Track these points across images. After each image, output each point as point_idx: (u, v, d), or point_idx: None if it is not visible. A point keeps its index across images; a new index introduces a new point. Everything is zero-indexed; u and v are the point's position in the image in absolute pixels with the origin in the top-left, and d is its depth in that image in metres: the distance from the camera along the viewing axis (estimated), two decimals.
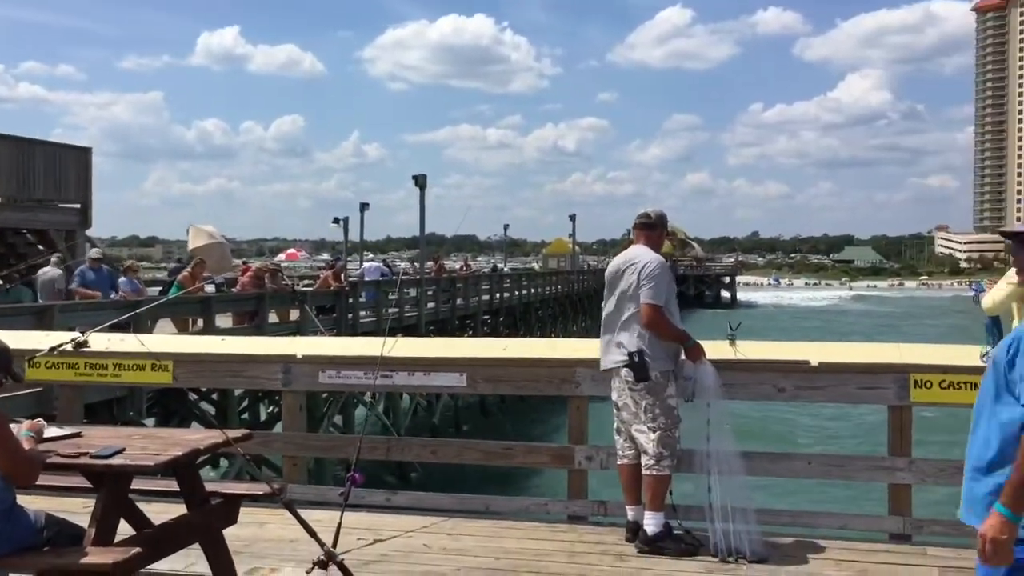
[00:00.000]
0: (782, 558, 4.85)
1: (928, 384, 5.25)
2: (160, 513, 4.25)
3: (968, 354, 5.32)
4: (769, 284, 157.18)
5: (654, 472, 5.07)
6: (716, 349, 5.45)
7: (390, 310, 24.79)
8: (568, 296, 50.19)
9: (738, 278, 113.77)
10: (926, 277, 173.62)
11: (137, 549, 3.60)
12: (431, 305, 28.92)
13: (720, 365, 5.25)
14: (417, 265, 32.63)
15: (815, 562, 4.84)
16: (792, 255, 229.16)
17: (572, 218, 58.68)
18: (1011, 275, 5.20)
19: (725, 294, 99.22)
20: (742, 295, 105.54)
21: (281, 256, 55.50)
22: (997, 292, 5.53)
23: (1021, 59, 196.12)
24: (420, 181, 28.93)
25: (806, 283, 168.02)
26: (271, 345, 7.15)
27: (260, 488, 4.56)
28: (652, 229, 5.41)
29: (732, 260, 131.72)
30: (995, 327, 5.42)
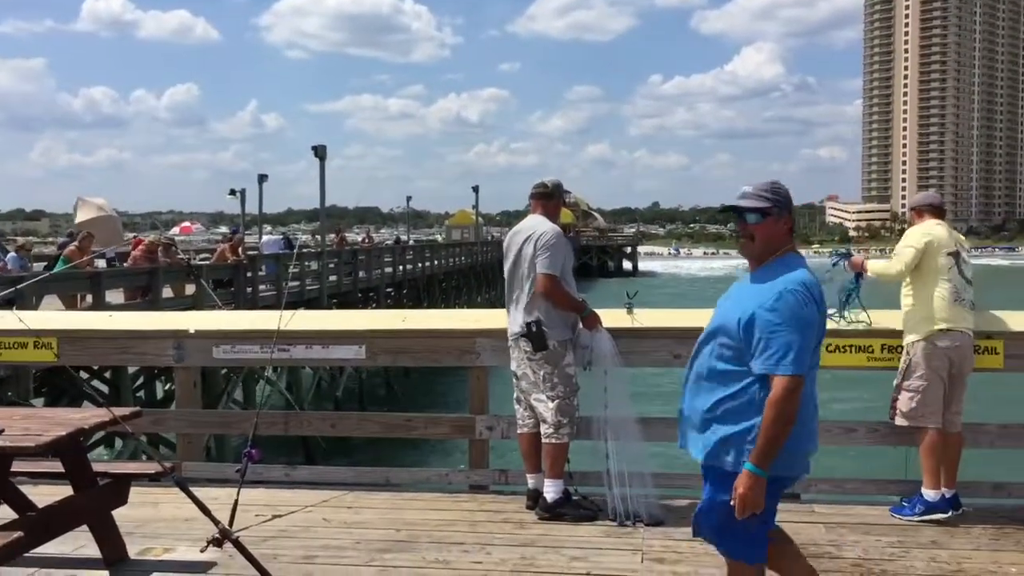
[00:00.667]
0: (678, 520, 4.97)
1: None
2: (47, 496, 4.10)
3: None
4: (669, 254, 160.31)
5: (553, 440, 5.12)
6: (613, 317, 5.51)
7: (290, 283, 24.37)
8: (472, 268, 50.21)
9: (639, 248, 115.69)
10: (818, 245, 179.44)
11: (18, 534, 3.46)
12: (333, 278, 28.55)
13: (617, 333, 5.31)
14: (318, 238, 32.12)
15: None
16: (691, 225, 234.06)
17: (475, 189, 58.59)
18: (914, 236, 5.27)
19: (627, 264, 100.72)
20: (643, 264, 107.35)
21: (176, 229, 53.84)
22: (895, 261, 5.27)
23: (906, 34, 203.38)
24: (320, 152, 28.46)
25: (704, 252, 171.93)
26: (162, 320, 6.93)
27: (151, 467, 4.44)
28: (549, 199, 5.42)
29: (633, 230, 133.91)
30: (856, 281, 5.48)
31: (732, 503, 3.04)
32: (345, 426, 6.33)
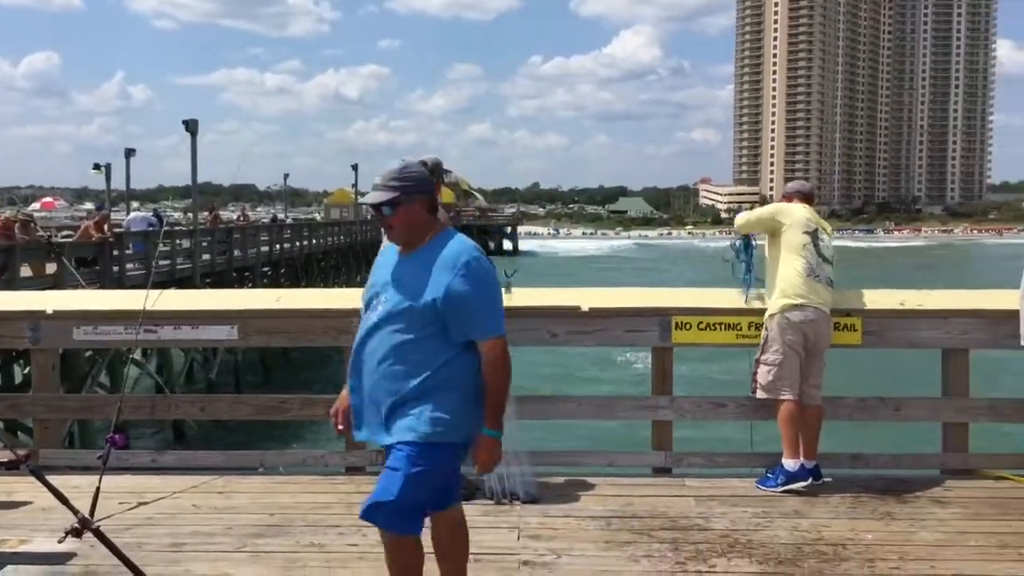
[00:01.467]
0: (554, 497, 5.03)
1: (688, 326, 5.56)
2: None
3: (723, 297, 5.69)
4: (549, 234, 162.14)
5: None
6: None
7: (160, 262, 23.50)
8: (351, 247, 49.56)
9: (520, 228, 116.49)
10: (692, 227, 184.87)
11: None
12: (206, 257, 27.69)
13: None
14: (191, 215, 31.05)
15: (584, 498, 5.06)
16: (571, 206, 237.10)
17: (355, 167, 57.70)
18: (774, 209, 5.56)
19: (507, 244, 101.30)
20: (524, 244, 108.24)
21: (36, 205, 51.22)
22: (752, 212, 5.81)
23: (775, 23, 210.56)
24: (191, 126, 27.49)
25: (583, 233, 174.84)
26: (17, 300, 6.56)
27: (4, 456, 4.20)
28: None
29: (514, 210, 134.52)
30: (746, 249, 5.70)
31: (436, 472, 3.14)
32: (216, 409, 6.14)
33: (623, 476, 5.51)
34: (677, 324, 5.55)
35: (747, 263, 5.66)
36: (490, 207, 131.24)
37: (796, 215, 5.42)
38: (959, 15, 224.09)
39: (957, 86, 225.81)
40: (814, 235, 5.37)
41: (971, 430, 5.61)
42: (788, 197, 5.64)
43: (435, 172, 5.39)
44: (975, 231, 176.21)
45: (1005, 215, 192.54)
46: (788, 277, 5.30)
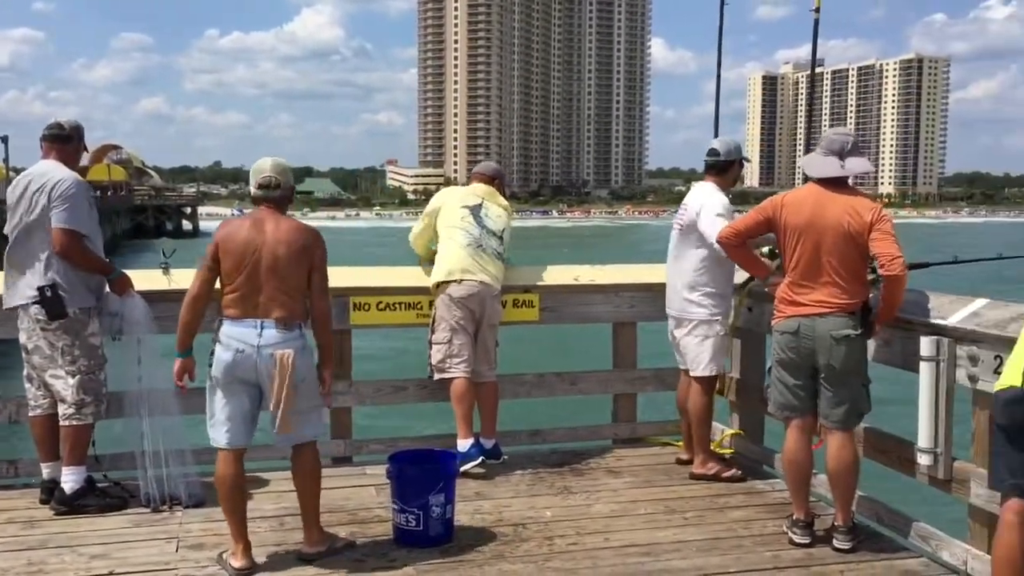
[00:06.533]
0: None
1: (367, 306, 5.30)
2: None
3: (403, 275, 5.49)
4: (233, 214, 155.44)
5: (74, 422, 4.44)
6: (148, 279, 4.93)
7: None
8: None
9: (201, 209, 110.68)
10: (379, 208, 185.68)
11: None
12: None
13: (152, 297, 4.75)
14: None
15: (257, 496, 4.64)
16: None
17: (4, 140, 51.68)
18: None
19: (187, 224, 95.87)
20: (205, 225, 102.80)
21: None
22: (415, 227, 5.54)
23: (456, 8, 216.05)
24: None
25: None
26: None
27: None
28: (66, 142, 4.66)
29: (194, 190, 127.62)
30: None
31: None
32: None
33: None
34: (355, 305, 5.28)
35: None
36: (167, 186, 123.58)
37: (445, 196, 5.44)
38: (619, 13, 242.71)
39: (619, 79, 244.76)
40: (475, 209, 5.29)
41: (640, 400, 5.86)
42: (472, 178, 5.57)
43: (77, 136, 4.73)
44: (636, 212, 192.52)
45: (661, 198, 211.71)
46: (449, 251, 5.20)
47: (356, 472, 5.12)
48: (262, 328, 3.74)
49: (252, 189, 3.92)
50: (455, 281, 5.11)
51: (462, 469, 4.89)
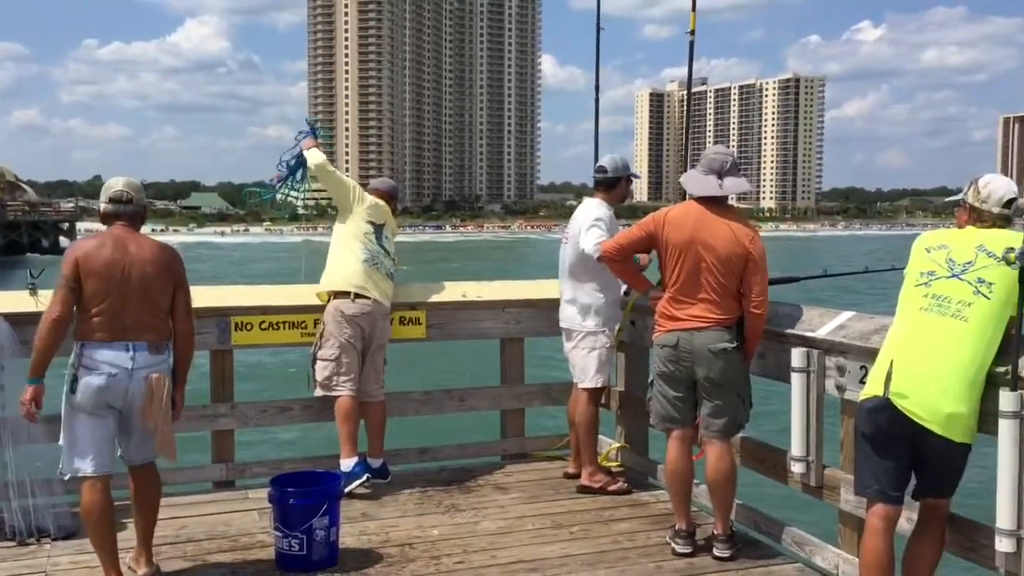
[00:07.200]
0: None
1: (249, 326, 5.18)
2: None
3: (286, 293, 5.39)
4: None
5: None
6: (14, 301, 4.72)
7: None
8: None
9: (80, 224, 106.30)
10: (269, 223, 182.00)
11: None
12: None
13: (20, 319, 4.53)
14: None
15: (131, 527, 4.45)
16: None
17: None
18: None
19: (64, 241, 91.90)
20: None
21: None
22: (335, 169, 5.42)
23: (346, 24, 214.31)
24: None
25: (152, 229, 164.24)
26: None
27: None
28: None
29: (72, 205, 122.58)
30: (300, 168, 5.46)
31: None
32: None
33: (178, 495, 4.95)
34: (237, 324, 5.15)
35: (292, 180, 5.46)
36: (43, 201, 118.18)
37: (369, 202, 5.29)
38: (510, 29, 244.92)
39: (510, 95, 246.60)
40: (379, 228, 5.27)
41: (528, 414, 5.89)
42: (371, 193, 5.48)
43: None
44: (529, 227, 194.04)
45: (552, 212, 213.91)
46: (347, 262, 5.12)
47: (238, 496, 4.98)
48: (135, 351, 3.62)
49: (103, 205, 3.85)
50: (348, 297, 5.04)
51: (347, 489, 4.80)
